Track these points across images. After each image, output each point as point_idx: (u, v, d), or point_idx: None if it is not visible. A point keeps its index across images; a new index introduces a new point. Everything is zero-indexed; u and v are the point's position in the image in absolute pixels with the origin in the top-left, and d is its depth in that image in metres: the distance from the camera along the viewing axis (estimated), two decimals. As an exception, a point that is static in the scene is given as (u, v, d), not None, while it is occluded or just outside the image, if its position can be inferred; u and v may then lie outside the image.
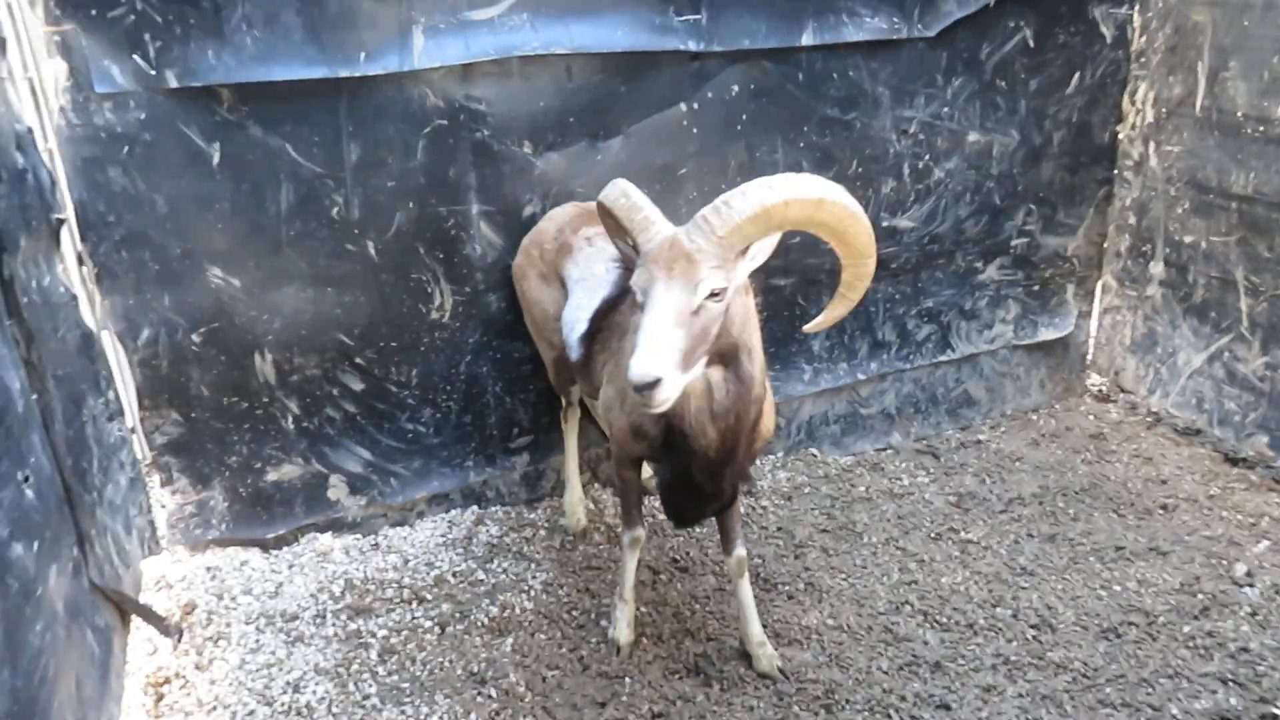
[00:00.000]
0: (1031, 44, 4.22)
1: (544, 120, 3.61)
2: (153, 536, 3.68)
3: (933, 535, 3.98)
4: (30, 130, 3.09)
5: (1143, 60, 4.39)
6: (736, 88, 3.85)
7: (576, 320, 3.27)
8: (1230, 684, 3.12)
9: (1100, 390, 5.03)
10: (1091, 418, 4.85)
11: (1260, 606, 3.44)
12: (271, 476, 3.75)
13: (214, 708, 3.10)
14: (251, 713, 3.09)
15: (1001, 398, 4.85)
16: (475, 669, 3.27)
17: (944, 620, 3.49)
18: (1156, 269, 4.53)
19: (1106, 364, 4.97)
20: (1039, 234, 4.61)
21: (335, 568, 3.76)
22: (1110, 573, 3.69)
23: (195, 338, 3.45)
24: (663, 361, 2.24)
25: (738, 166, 3.95)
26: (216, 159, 3.29)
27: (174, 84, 3.13)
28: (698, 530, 4.01)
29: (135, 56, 3.08)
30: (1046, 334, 4.80)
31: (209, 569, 3.69)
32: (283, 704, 3.12)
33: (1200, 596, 3.51)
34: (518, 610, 3.55)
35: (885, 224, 4.27)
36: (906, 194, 4.26)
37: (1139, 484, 4.25)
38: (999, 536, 3.95)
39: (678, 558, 3.85)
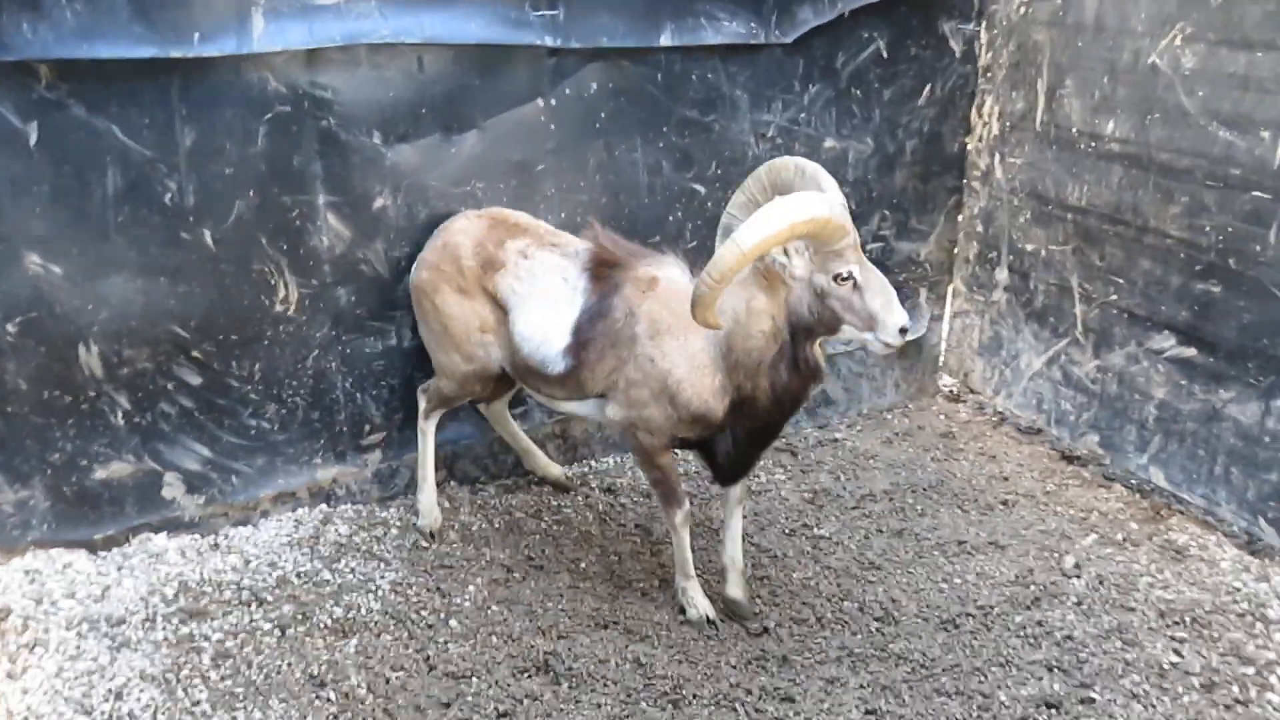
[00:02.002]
0: (885, 55, 4.35)
1: (395, 111, 3.54)
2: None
3: (787, 531, 4.05)
4: None
5: (989, 75, 4.58)
6: (595, 85, 3.84)
7: (548, 335, 3.35)
8: (1055, 670, 3.26)
9: (951, 391, 5.22)
10: (942, 417, 5.02)
11: (1085, 596, 3.62)
12: (99, 474, 3.55)
13: (26, 719, 2.91)
14: (67, 725, 2.91)
15: (858, 397, 4.98)
16: (315, 671, 3.16)
17: (793, 614, 3.54)
18: (1001, 275, 4.72)
19: (957, 365, 5.15)
20: (893, 239, 4.75)
21: (169, 569, 3.58)
22: (952, 566, 3.82)
23: (10, 328, 3.24)
24: None
25: (596, 165, 3.95)
26: (34, 139, 3.10)
27: (-14, 57, 2.94)
28: (554, 529, 3.99)
29: (-59, 25, 2.88)
30: (901, 336, 4.94)
31: (27, 572, 3.47)
32: (103, 712, 2.96)
33: (1032, 588, 3.67)
34: (363, 611, 3.45)
35: (744, 225, 4.32)
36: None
37: (983, 481, 4.42)
38: (850, 532, 4.05)
39: (533, 555, 3.81)
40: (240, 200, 3.41)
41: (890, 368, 5.01)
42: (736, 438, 3.28)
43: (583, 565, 3.77)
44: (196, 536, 3.75)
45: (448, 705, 3.06)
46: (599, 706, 3.08)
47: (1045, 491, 4.33)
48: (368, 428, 3.93)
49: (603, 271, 3.31)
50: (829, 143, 4.39)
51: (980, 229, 4.80)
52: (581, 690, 3.15)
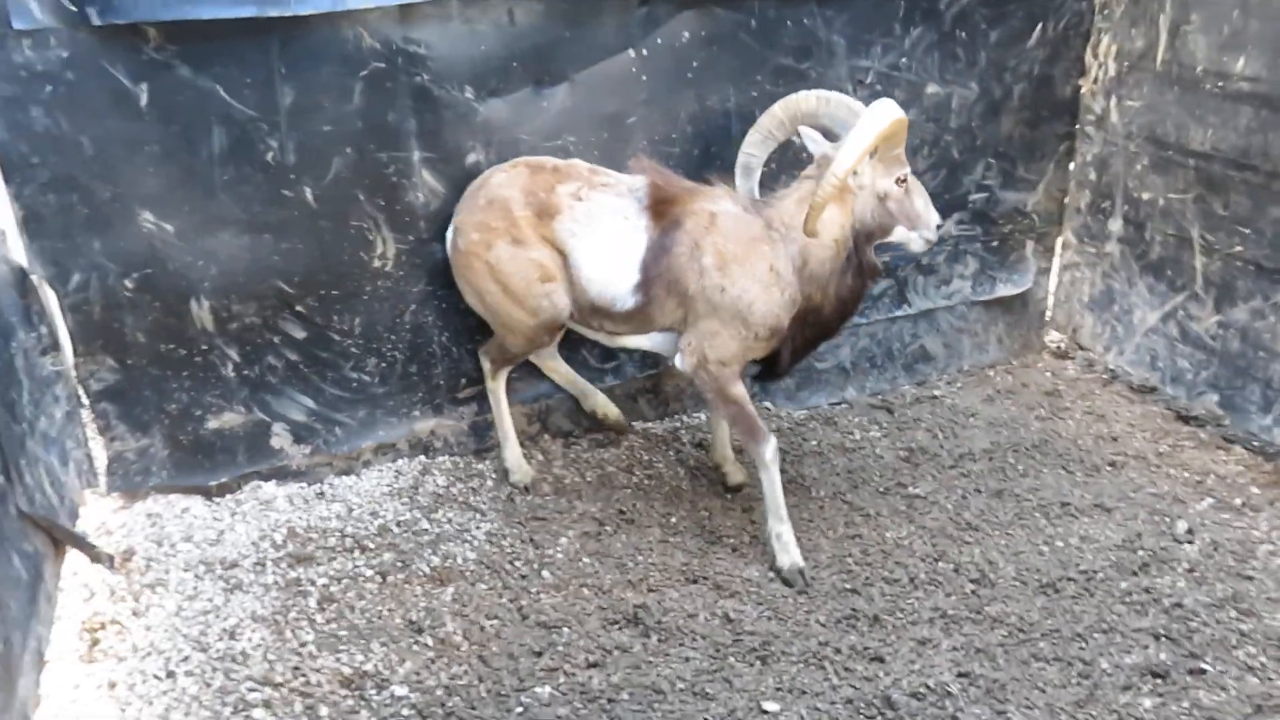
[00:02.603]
0: (993, -7, 4.14)
1: (486, 65, 3.53)
2: (90, 469, 3.65)
3: (881, 490, 3.98)
4: (-52, 65, 3.01)
5: (1106, 12, 4.32)
6: (687, 35, 3.76)
7: (616, 274, 3.42)
8: (1163, 639, 3.14)
9: (1058, 347, 5.02)
10: (1048, 374, 4.84)
11: (1198, 563, 3.46)
12: (213, 424, 3.72)
13: (148, 653, 3.09)
14: (186, 658, 3.07)
15: (959, 354, 4.83)
16: (414, 618, 3.27)
17: (886, 574, 3.49)
18: (1115, 226, 4.49)
19: (1065, 321, 4.94)
20: (998, 189, 4.56)
21: (278, 516, 3.74)
22: (1054, 529, 3.70)
23: (128, 283, 3.39)
24: None
25: (688, 116, 3.88)
26: (144, 100, 3.20)
27: (96, 21, 3.04)
28: (645, 483, 4.01)
29: (56, -9, 2.99)
30: (1005, 290, 4.77)
31: (149, 515, 3.67)
32: (217, 650, 3.11)
33: (1140, 553, 3.53)
34: (459, 560, 3.54)
35: (841, 176, 4.21)
36: (863, 146, 4.19)
37: (1089, 441, 4.25)
38: (947, 491, 3.95)
39: (624, 509, 3.84)
40: (338, 157, 3.47)
41: (994, 323, 4.84)
42: (796, 345, 3.54)
43: (673, 520, 3.78)
44: (303, 485, 3.89)
45: (539, 654, 3.12)
46: (687, 660, 3.10)
47: (1158, 453, 4.14)
48: (464, 381, 4.00)
49: (661, 208, 3.39)
50: (931, 88, 4.21)
51: (1093, 177, 4.56)
52: (670, 643, 3.18)
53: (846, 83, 4.05)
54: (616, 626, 3.27)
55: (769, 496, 3.48)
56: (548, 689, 2.98)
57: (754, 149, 3.51)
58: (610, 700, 2.94)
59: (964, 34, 4.18)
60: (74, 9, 3.02)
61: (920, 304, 4.64)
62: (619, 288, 3.42)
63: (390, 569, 3.49)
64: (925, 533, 3.70)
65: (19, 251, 3.28)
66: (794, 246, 3.36)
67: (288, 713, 2.88)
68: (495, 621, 3.27)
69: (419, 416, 4.01)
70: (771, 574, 3.50)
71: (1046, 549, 3.59)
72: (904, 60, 4.12)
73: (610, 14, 3.62)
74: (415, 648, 3.14)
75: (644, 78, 3.76)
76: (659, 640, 3.19)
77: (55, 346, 3.43)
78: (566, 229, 3.41)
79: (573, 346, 4.09)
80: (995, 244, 4.69)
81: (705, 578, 3.47)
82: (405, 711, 2.89)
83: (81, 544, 3.16)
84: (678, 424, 4.40)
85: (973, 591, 3.40)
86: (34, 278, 3.31)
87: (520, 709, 2.91)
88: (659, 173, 3.48)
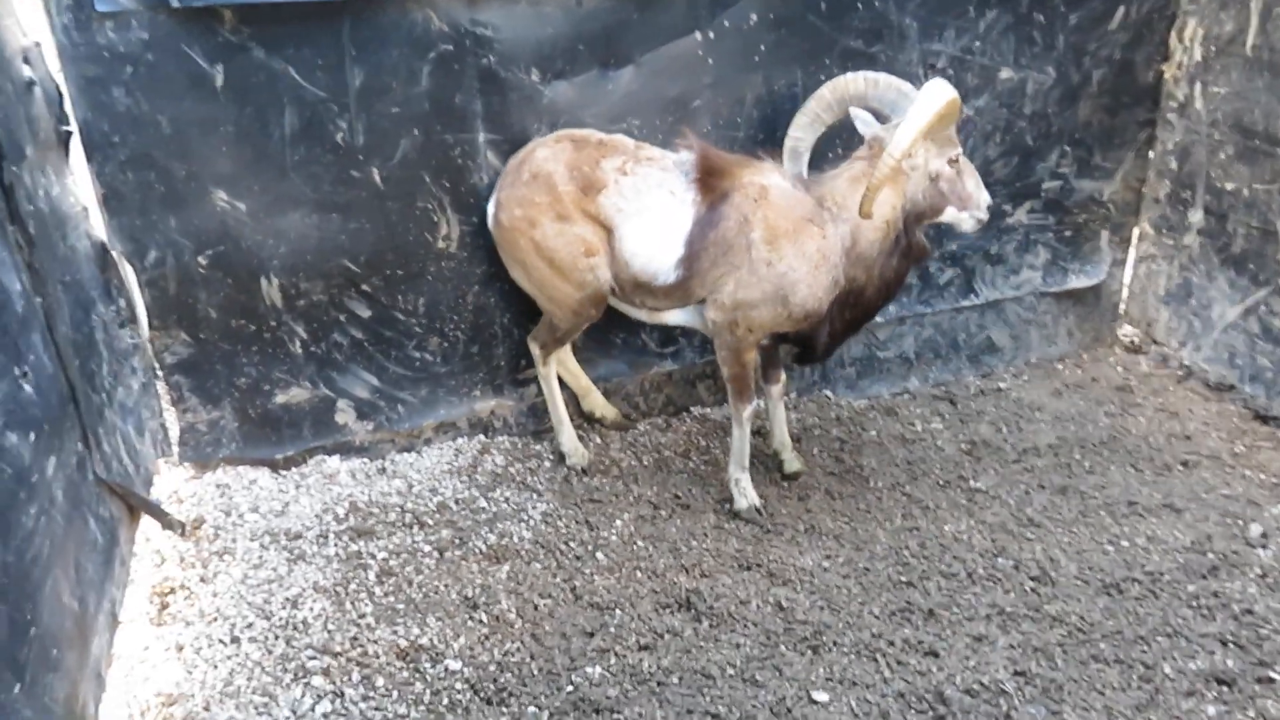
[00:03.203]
0: (1073, -26, 4.01)
1: (552, 47, 3.54)
2: (165, 439, 3.77)
3: (941, 483, 3.92)
4: (39, 44, 3.12)
5: (1194, -7, 4.15)
6: (755, 17, 3.72)
7: (660, 249, 3.43)
8: (1230, 645, 3.05)
9: (1132, 341, 4.87)
10: (1120, 369, 4.70)
11: (1271, 569, 3.35)
12: (280, 399, 3.81)
13: (215, 619, 3.20)
14: (250, 625, 3.18)
15: (1026, 345, 4.72)
16: (469, 594, 3.32)
17: (943, 568, 3.44)
18: (1195, 217, 4.33)
19: (1139, 314, 4.80)
20: (1073, 177, 4.43)
21: (341, 490, 3.83)
22: (1120, 528, 3.61)
23: (202, 260, 3.49)
24: None
25: (754, 99, 3.84)
26: (220, 81, 3.28)
27: (175, 4, 3.12)
28: (702, 469, 4.00)
29: (137, -26, 3.07)
30: (1077, 281, 4.64)
31: (219, 486, 3.78)
32: (280, 619, 3.21)
33: (1210, 556, 3.42)
34: (515, 539, 3.59)
35: (909, 163, 4.13)
36: (932, 132, 4.11)
37: (1161, 439, 4.13)
38: (1009, 486, 3.88)
39: (679, 494, 3.85)
40: (405, 139, 3.52)
41: (1064, 314, 4.72)
42: (834, 328, 3.56)
43: (729, 506, 3.77)
44: (366, 460, 3.97)
45: (591, 635, 3.15)
46: (738, 646, 3.11)
47: (1233, 453, 4.00)
48: (524, 362, 4.03)
49: (710, 181, 3.38)
50: (1005, 73, 4.10)
51: (1174, 166, 4.40)
52: (722, 629, 3.18)
53: (918, 66, 3.97)
54: (669, 610, 3.28)
55: (735, 448, 3.70)
56: (598, 669, 3.01)
57: (802, 132, 3.51)
58: (660, 683, 2.95)
59: (1041, 17, 4.06)
60: (154, -8, 3.10)
61: (988, 294, 4.54)
62: (662, 262, 3.42)
63: (448, 545, 3.55)
64: (985, 528, 3.64)
65: (100, 227, 3.39)
66: (845, 227, 3.37)
67: (346, 681, 2.96)
68: (549, 600, 3.30)
69: (479, 396, 4.06)
70: (826, 563, 3.48)
71: (1111, 548, 3.50)
72: (977, 44, 4.02)
73: (676, -3, 3.60)
74: (470, 623, 3.20)
75: (710, 60, 3.73)
76: (710, 625, 3.20)
77: (133, 320, 3.55)
78: (612, 204, 3.40)
79: (632, 330, 4.10)
80: (1069, 234, 4.56)
81: (759, 565, 3.47)
82: (458, 685, 2.95)
83: (155, 511, 3.28)
84: (756, 403, 4.36)
85: (1032, 589, 3.33)
86: (114, 253, 3.43)
87: (571, 688, 2.94)
88: (707, 148, 3.46)
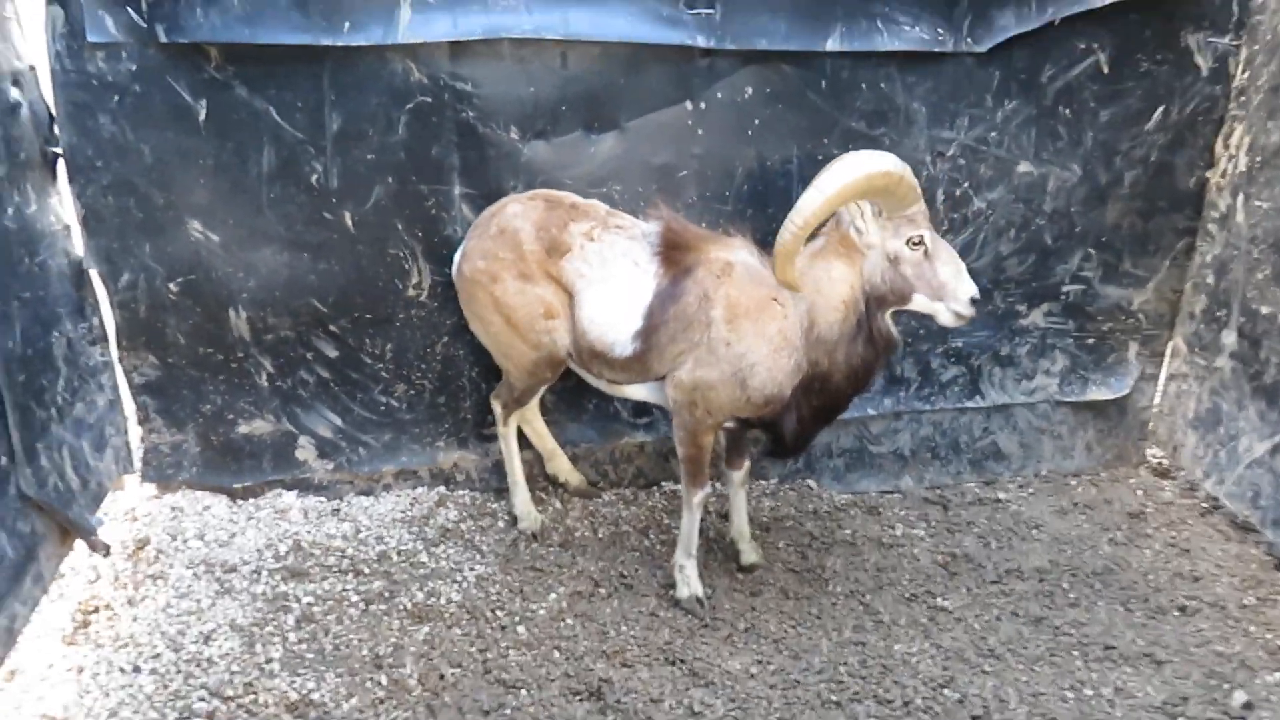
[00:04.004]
0: (1106, 69, 3.76)
1: (534, 107, 3.50)
2: (128, 457, 3.84)
3: (906, 596, 3.66)
4: (33, 68, 3.25)
5: (1243, 99, 3.83)
6: (750, 90, 3.61)
7: (618, 319, 3.32)
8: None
9: (1160, 464, 4.49)
10: (1140, 493, 4.33)
11: (1247, 746, 2.98)
12: (243, 429, 3.84)
13: (125, 644, 3.21)
14: (157, 655, 3.18)
15: (1036, 456, 4.40)
16: (380, 652, 3.25)
17: (880, 692, 3.18)
18: (1229, 339, 3.97)
19: (1167, 436, 4.42)
20: (1097, 282, 4.13)
21: (289, 527, 3.82)
22: (1088, 673, 3.28)
23: (173, 286, 3.56)
24: None
25: (746, 173, 3.72)
26: (203, 115, 3.36)
27: (163, 38, 3.21)
28: (657, 548, 3.84)
29: (128, 9, 3.18)
30: (1097, 393, 4.31)
31: (173, 508, 3.83)
32: (188, 653, 3.20)
33: None
34: (443, 600, 3.50)
35: (911, 252, 3.93)
36: (939, 222, 3.89)
37: (1164, 577, 3.76)
38: (979, 610, 3.59)
39: (625, 572, 3.70)
40: (380, 185, 3.53)
41: (1082, 426, 4.39)
42: (802, 415, 3.31)
43: (672, 592, 3.60)
44: (323, 499, 3.97)
45: (487, 713, 3.03)
46: (640, 748, 2.93)
47: (1241, 605, 3.61)
48: (490, 418, 3.96)
49: (674, 255, 3.27)
50: (1024, 166, 3.87)
51: (1210, 280, 4.06)
52: (626, 726, 3.01)
53: (924, 153, 3.78)
54: (577, 698, 3.13)
55: (684, 533, 3.53)
56: (481, 753, 2.89)
57: None
58: (537, 779, 2.81)
59: (1068, 111, 3.81)
60: (144, 25, 3.20)
61: (995, 397, 4.26)
62: (619, 333, 3.30)
63: (376, 598, 3.49)
64: (940, 653, 3.36)
65: (78, 247, 3.49)
66: (803, 305, 3.18)
67: (226, 729, 2.91)
68: (457, 670, 3.20)
69: (443, 447, 4.02)
70: (754, 669, 3.27)
71: (1071, 696, 3.18)
72: (993, 134, 3.80)
73: (668, 63, 3.52)
74: (369, 684, 3.11)
75: (700, 131, 3.64)
76: (614, 719, 3.04)
77: (105, 338, 3.64)
78: (574, 268, 3.33)
79: (605, 395, 3.99)
80: (1091, 341, 4.25)
81: (683, 661, 3.28)
82: (333, 750, 2.87)
83: (79, 530, 3.32)
84: (708, 489, 4.20)
85: (972, 729, 3.05)
86: (90, 272, 3.52)
87: (444, 769, 2.82)
88: (675, 219, 3.36)
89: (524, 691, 3.13)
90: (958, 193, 3.87)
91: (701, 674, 3.24)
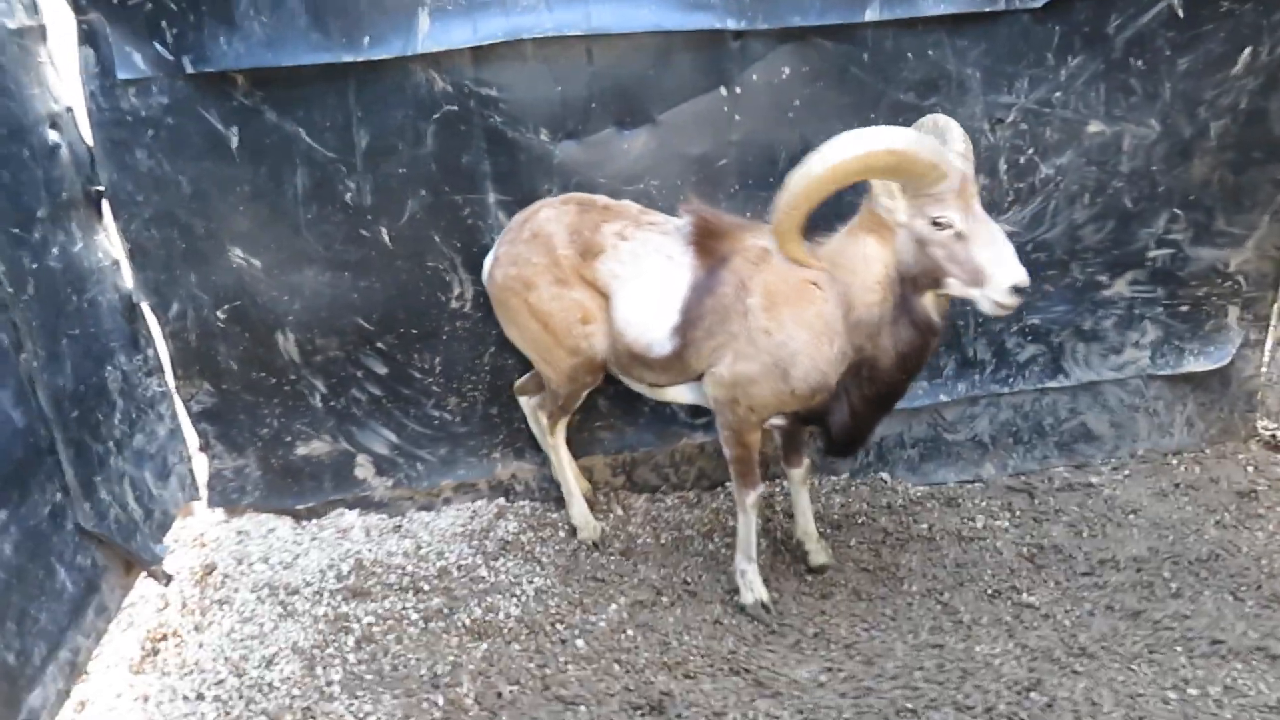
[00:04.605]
0: (1180, 13, 3.45)
1: (562, 107, 3.40)
2: (193, 484, 3.90)
3: (989, 593, 3.43)
4: (70, 110, 3.32)
5: (1341, 31, 3.47)
6: (788, 70, 3.43)
7: (654, 316, 3.20)
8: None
9: (1273, 437, 4.13)
10: (1250, 469, 3.98)
11: (1380, 749, 2.67)
12: (301, 451, 3.86)
13: (191, 671, 3.24)
14: (221, 681, 3.20)
15: (1132, 435, 4.09)
16: (438, 671, 3.20)
17: (959, 698, 2.97)
18: (1342, 295, 3.61)
19: (1276, 405, 4.05)
20: (1187, 244, 3.81)
21: (351, 546, 3.82)
22: (1193, 671, 3.00)
23: (220, 314, 3.59)
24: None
25: (789, 157, 3.53)
26: (235, 143, 3.37)
27: (190, 69, 3.23)
28: (721, 553, 3.71)
29: (155, 43, 3.20)
30: (1195, 364, 3.98)
31: (239, 532, 3.88)
32: (251, 678, 3.21)
33: (1304, 721, 2.78)
34: (502, 615, 3.43)
35: (975, 227, 3.69)
36: (1003, 194, 3.65)
37: (1278, 563, 3.44)
38: (1069, 604, 3.33)
39: (689, 579, 3.58)
40: (413, 199, 3.49)
41: (1180, 402, 4.06)
42: (854, 406, 3.10)
43: (737, 599, 3.46)
44: (384, 516, 3.96)
45: (546, 732, 2.95)
46: (704, 764, 2.81)
47: (1368, 590, 3.27)
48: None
49: (708, 244, 3.14)
50: (1094, 126, 3.58)
51: (1317, 234, 3.69)
52: (689, 742, 2.89)
53: (981, 121, 3.53)
54: (638, 712, 3.01)
55: (741, 537, 3.40)
56: (535, 774, 2.81)
57: None
58: (594, 800, 2.71)
59: (1140, 63, 3.51)
60: (171, 58, 3.22)
61: (1081, 374, 3.98)
62: (657, 332, 3.18)
63: (435, 615, 3.45)
64: (1025, 653, 3.13)
65: (128, 281, 3.56)
66: (839, 288, 2.97)
67: (282, 755, 2.90)
68: (515, 688, 3.12)
69: (499, 459, 3.96)
70: (824, 677, 3.10)
71: (1174, 696, 2.91)
72: (1058, 94, 3.53)
73: (698, 49, 3.38)
74: (424, 705, 3.06)
75: (737, 117, 3.48)
76: (677, 735, 2.92)
77: (161, 369, 3.70)
78: (609, 270, 3.23)
79: (659, 407, 3.87)
80: (1185, 309, 3.92)
81: (749, 670, 3.14)
82: (387, 774, 2.82)
83: (139, 560, 3.37)
84: (775, 488, 4.05)
85: (1063, 737, 2.82)
86: (141, 305, 3.59)
87: (498, 793, 2.75)
88: (708, 210, 3.21)
89: (583, 708, 3.03)
90: (1022, 160, 3.61)
91: (767, 684, 3.09)
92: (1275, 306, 3.97)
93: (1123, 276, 3.84)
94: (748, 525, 3.37)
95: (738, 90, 3.45)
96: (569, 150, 3.47)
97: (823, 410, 3.16)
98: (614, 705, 3.04)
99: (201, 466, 3.93)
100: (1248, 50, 3.53)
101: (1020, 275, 2.68)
